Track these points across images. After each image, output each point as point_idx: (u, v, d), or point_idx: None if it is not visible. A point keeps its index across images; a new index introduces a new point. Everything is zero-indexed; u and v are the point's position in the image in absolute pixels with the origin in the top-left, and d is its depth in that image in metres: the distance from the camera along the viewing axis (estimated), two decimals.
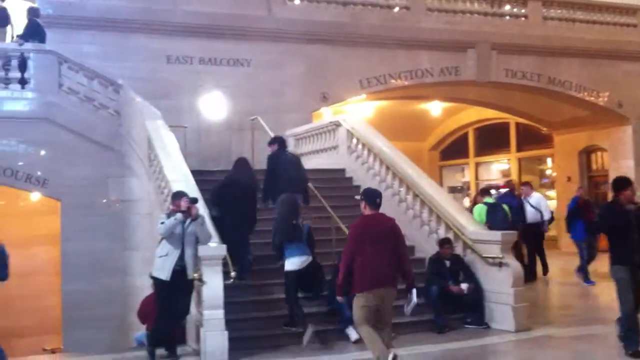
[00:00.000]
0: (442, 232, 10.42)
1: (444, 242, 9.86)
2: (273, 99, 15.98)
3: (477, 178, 24.98)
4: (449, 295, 9.45)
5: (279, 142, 10.36)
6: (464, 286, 9.51)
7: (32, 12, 13.29)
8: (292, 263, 8.69)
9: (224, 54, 15.95)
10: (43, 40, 12.79)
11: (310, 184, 10.55)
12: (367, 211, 6.97)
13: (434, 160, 26.25)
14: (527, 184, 14.98)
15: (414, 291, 6.96)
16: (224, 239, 8.37)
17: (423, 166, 15.27)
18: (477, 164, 25.29)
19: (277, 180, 9.70)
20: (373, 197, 7.03)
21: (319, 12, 16.96)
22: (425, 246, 10.72)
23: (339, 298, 7.15)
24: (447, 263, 9.75)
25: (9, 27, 15.05)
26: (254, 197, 9.74)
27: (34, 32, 12.81)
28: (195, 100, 15.53)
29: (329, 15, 16.99)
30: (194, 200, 8.06)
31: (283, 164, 9.92)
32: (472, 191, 23.66)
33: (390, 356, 6.52)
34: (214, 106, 15.54)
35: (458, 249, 10.04)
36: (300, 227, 8.90)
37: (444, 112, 23.01)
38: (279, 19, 16.44)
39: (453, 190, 25.34)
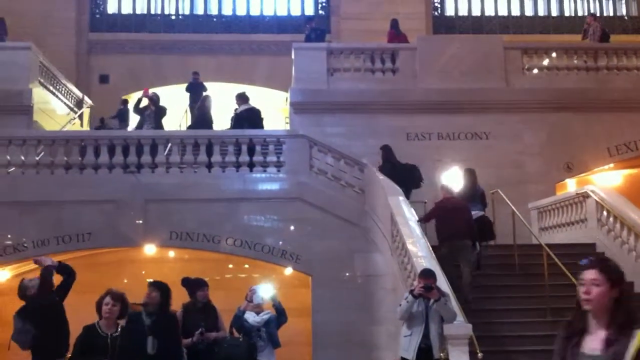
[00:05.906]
0: None
1: None
2: (513, 170, 15.69)
3: None
4: None
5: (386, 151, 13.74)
6: None
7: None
8: None
9: (461, 128, 16.14)
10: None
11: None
12: (445, 195, 11.48)
13: None
14: None
15: (477, 244, 11.35)
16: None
17: None
18: None
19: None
20: (448, 188, 11.74)
21: (559, 80, 16.53)
22: None
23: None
24: None
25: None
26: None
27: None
28: (433, 174, 15.73)
29: (570, 82, 16.46)
30: (428, 288, 7.93)
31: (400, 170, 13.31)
32: None
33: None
34: (452, 180, 15.61)
35: None
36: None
37: None
38: (517, 89, 16.30)
39: None
